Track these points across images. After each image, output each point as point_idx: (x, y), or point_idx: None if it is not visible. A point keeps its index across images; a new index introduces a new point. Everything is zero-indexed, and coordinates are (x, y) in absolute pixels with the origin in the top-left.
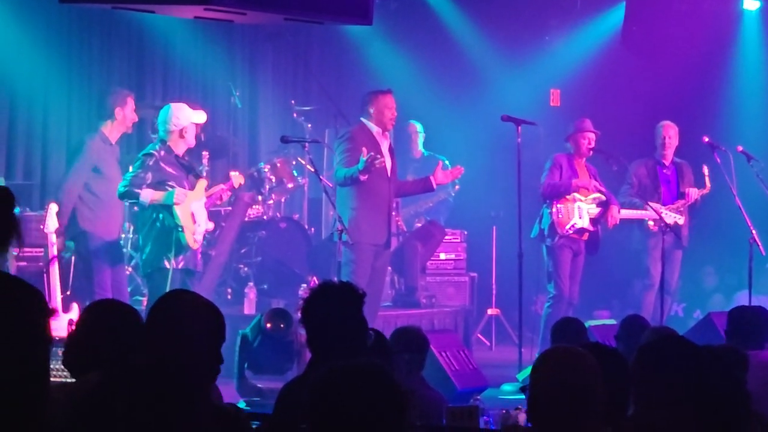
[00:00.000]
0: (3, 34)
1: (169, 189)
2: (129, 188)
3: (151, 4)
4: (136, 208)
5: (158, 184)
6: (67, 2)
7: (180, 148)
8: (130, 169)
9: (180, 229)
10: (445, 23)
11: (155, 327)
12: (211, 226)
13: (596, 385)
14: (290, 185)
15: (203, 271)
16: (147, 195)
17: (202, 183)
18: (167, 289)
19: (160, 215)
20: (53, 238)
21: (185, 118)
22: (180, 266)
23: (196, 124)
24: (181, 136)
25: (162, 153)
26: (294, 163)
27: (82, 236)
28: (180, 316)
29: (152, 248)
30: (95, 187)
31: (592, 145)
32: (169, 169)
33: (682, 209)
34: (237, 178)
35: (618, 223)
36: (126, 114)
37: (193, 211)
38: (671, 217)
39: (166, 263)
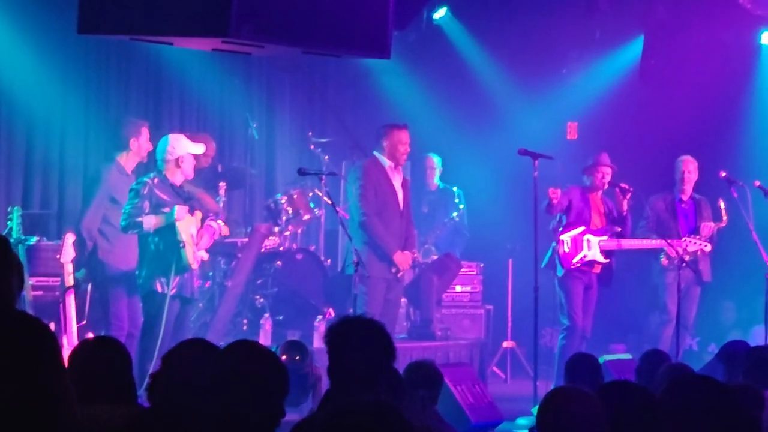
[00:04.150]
0: (22, 64)
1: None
2: (130, 220)
3: (169, 36)
4: None
5: (154, 209)
6: (86, 33)
7: (176, 178)
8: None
9: (182, 246)
10: (463, 56)
11: (221, 375)
12: (206, 256)
13: (599, 425)
14: (306, 217)
15: (219, 303)
16: (149, 222)
17: (199, 215)
18: (163, 316)
19: (156, 238)
20: (70, 267)
21: (182, 148)
22: (173, 292)
23: (195, 156)
24: (177, 165)
25: (156, 181)
26: (311, 194)
27: (99, 267)
28: (247, 367)
29: (147, 271)
30: (113, 219)
31: (607, 179)
32: (164, 196)
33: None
34: (224, 228)
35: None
36: (141, 144)
37: (192, 233)
38: (696, 245)
39: (158, 286)
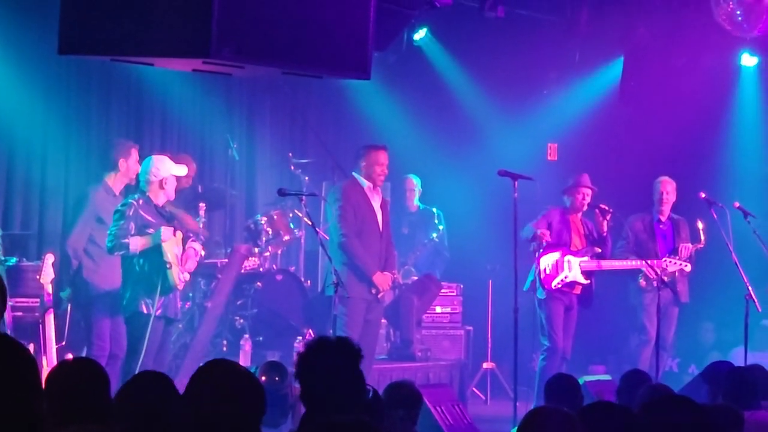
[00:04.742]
0: (2, 85)
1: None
2: (116, 241)
3: (150, 57)
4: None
5: (139, 230)
6: (66, 53)
7: (159, 199)
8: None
9: (168, 266)
10: (443, 77)
11: (197, 394)
12: (187, 276)
13: None
14: (287, 237)
15: (199, 324)
16: (135, 243)
17: (180, 235)
18: (146, 336)
19: (141, 260)
20: (49, 288)
21: (165, 169)
22: (158, 312)
23: (178, 177)
24: (161, 187)
25: (141, 202)
26: (291, 215)
27: (83, 286)
28: (223, 385)
29: (131, 292)
30: (99, 239)
31: (587, 200)
32: (149, 217)
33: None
34: (197, 246)
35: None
36: (130, 165)
37: (177, 254)
38: (676, 265)
39: (143, 307)
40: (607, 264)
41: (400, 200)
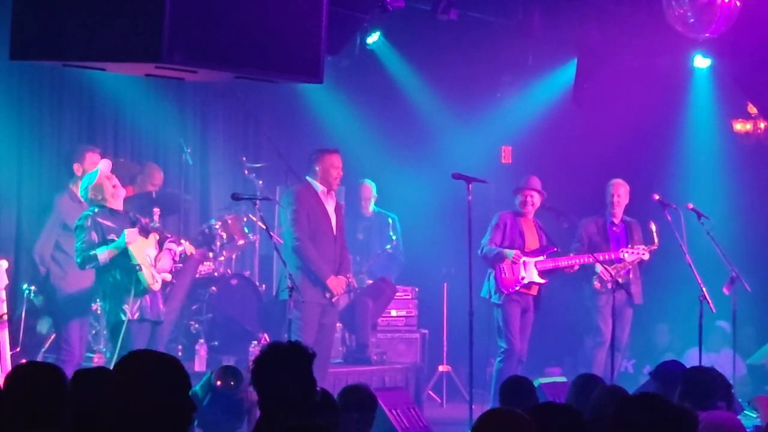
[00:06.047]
0: None
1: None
2: (83, 254)
3: (102, 61)
4: None
5: (104, 239)
6: (18, 59)
7: (115, 204)
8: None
9: (138, 269)
10: (397, 81)
11: (121, 386)
12: (168, 277)
13: None
14: (241, 242)
15: None
16: (104, 254)
17: (154, 236)
18: (130, 342)
19: (114, 271)
20: (3, 295)
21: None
22: (135, 316)
23: (111, 175)
24: (103, 190)
25: (96, 211)
26: (245, 219)
27: (52, 293)
28: (142, 372)
29: (110, 304)
30: (65, 245)
31: (533, 203)
32: (108, 223)
33: (630, 267)
34: (188, 247)
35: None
36: (86, 169)
37: (149, 255)
38: (634, 254)
39: (123, 315)
40: (563, 261)
41: (355, 206)
